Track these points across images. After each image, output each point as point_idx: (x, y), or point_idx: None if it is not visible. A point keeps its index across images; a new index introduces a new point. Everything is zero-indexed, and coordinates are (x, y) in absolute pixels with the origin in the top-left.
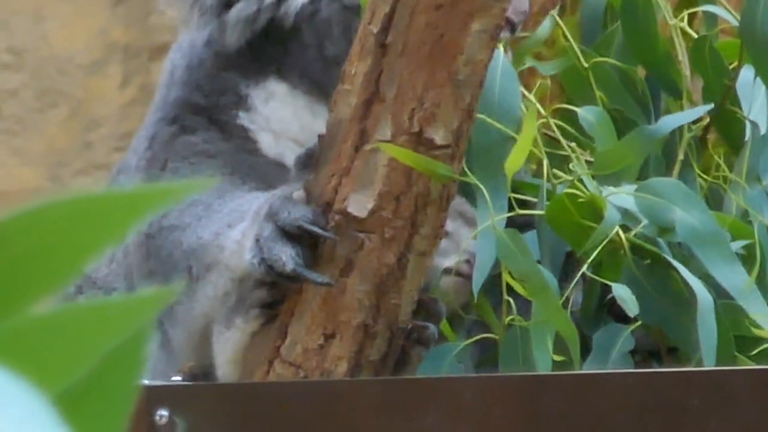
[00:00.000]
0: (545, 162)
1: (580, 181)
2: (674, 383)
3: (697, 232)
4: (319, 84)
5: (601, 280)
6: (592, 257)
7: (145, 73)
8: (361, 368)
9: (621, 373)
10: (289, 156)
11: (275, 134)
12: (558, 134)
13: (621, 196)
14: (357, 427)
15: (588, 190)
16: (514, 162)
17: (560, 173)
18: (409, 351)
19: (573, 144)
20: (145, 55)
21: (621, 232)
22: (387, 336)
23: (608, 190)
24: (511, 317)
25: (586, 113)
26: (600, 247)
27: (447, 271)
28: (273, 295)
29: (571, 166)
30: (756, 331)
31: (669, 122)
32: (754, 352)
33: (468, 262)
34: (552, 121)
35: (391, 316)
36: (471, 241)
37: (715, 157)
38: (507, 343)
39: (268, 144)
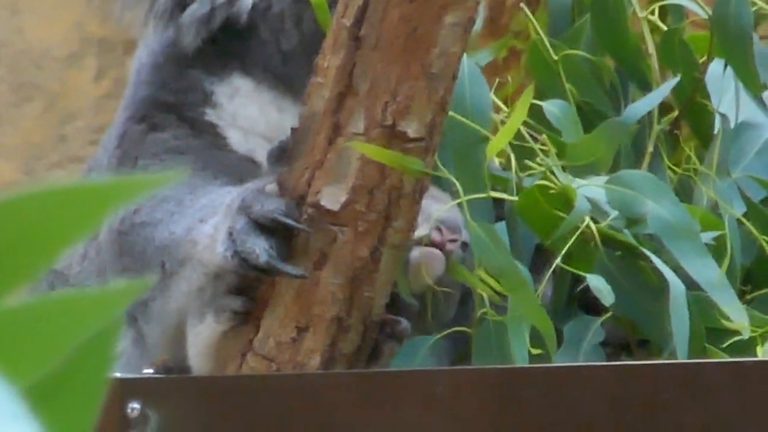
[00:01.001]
0: (512, 155)
1: (552, 172)
2: (649, 376)
3: (668, 225)
4: (282, 78)
5: (573, 271)
6: (564, 249)
7: (120, 66)
8: (335, 361)
9: (595, 366)
10: (260, 152)
11: (243, 131)
12: (522, 129)
13: (592, 188)
14: (330, 420)
15: (559, 182)
16: (496, 146)
17: (532, 164)
18: (381, 345)
19: (543, 137)
20: (121, 48)
21: (592, 224)
22: (360, 329)
23: (579, 182)
24: (483, 310)
25: (551, 107)
26: (572, 240)
27: (417, 242)
28: (244, 306)
29: (539, 159)
30: (727, 324)
31: (636, 110)
32: (726, 344)
33: (439, 230)
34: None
35: (364, 309)
36: (441, 211)
37: (686, 149)
38: (480, 336)
39: (237, 140)
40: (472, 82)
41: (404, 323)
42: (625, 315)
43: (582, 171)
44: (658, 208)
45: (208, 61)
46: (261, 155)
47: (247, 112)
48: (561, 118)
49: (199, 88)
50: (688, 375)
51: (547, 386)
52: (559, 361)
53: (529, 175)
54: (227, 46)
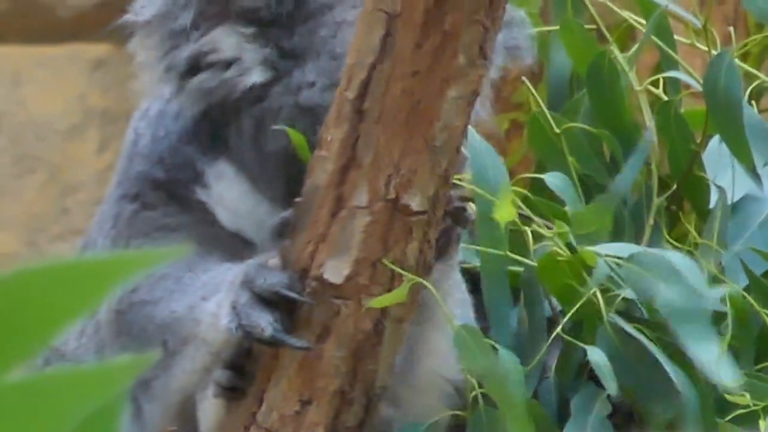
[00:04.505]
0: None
1: (566, 243)
2: None
3: (678, 310)
4: (253, 174)
5: (575, 342)
6: (567, 317)
7: (122, 138)
8: None
9: None
10: (248, 230)
11: (230, 211)
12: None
13: (609, 259)
14: None
15: (567, 251)
16: (506, 213)
17: (543, 231)
18: (450, 233)
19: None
20: (123, 120)
21: (599, 296)
22: (364, 402)
23: (597, 251)
24: (475, 393)
25: (552, 179)
26: (576, 307)
27: None
28: (230, 381)
29: (552, 227)
30: (729, 398)
31: (624, 177)
32: (729, 417)
33: None
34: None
35: (367, 382)
36: None
37: (685, 223)
38: (475, 421)
39: (225, 218)
40: (488, 159)
41: (469, 210)
42: (627, 387)
43: (584, 240)
44: (668, 290)
45: (201, 140)
46: (249, 233)
47: (230, 195)
48: (563, 188)
49: (192, 166)
50: None
51: None
52: None
53: (540, 245)
54: (219, 127)
